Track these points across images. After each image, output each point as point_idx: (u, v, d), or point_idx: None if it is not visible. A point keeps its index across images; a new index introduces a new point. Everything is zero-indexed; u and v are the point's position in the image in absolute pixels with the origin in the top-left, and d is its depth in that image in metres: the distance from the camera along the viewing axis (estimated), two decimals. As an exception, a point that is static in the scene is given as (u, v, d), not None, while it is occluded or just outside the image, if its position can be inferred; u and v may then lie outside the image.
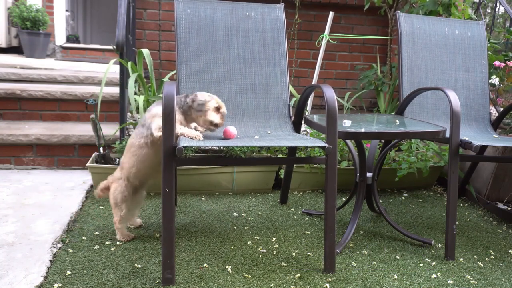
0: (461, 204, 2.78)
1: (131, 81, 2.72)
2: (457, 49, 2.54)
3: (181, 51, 2.22)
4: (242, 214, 2.40)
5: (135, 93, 2.77)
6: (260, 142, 1.79)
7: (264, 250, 1.98)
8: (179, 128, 1.80)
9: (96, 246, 1.92)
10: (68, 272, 1.70)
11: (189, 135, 1.78)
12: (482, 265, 1.96)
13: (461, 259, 2.00)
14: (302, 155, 2.80)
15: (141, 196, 2.08)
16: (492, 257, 2.05)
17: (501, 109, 2.66)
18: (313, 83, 3.41)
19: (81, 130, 3.08)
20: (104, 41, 6.31)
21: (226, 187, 2.71)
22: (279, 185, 2.68)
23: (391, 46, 3.77)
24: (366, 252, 2.02)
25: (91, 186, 2.66)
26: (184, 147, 1.60)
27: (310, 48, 4.11)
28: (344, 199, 2.68)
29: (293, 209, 2.51)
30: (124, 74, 2.74)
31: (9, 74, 3.53)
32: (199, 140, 1.77)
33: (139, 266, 1.78)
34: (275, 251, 1.98)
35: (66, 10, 5.80)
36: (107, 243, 1.96)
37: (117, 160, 2.67)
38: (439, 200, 2.81)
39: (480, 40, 2.57)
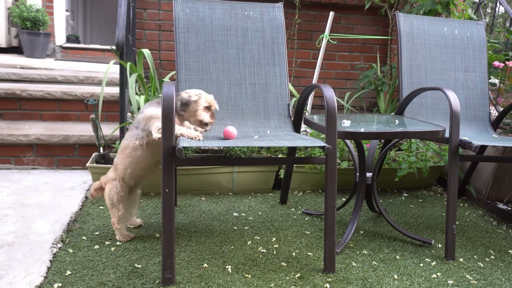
0: (461, 204, 2.78)
1: (131, 81, 2.72)
2: (456, 49, 2.54)
3: (180, 51, 2.22)
4: (242, 214, 2.40)
5: (135, 93, 2.77)
6: (260, 142, 1.79)
7: (264, 250, 1.98)
8: (178, 129, 1.80)
9: (96, 246, 1.93)
10: (68, 272, 1.70)
11: (189, 135, 1.78)
12: (482, 265, 1.96)
13: (461, 259, 2.00)
14: (302, 155, 2.80)
15: (137, 195, 2.08)
16: (492, 257, 2.05)
17: (501, 109, 2.66)
18: (313, 83, 3.41)
19: (81, 130, 3.08)
20: (104, 41, 6.31)
21: (226, 187, 2.71)
22: (279, 185, 2.68)
23: (391, 46, 3.77)
24: (366, 252, 2.02)
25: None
26: (184, 147, 1.60)
27: (310, 48, 4.11)
28: (344, 199, 2.68)
29: (293, 209, 2.51)
30: (124, 74, 2.74)
31: (9, 74, 3.53)
32: (199, 140, 1.77)
33: (139, 266, 1.79)
34: (275, 251, 1.98)
35: (66, 10, 5.80)
36: (107, 243, 1.96)
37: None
38: (439, 200, 2.81)
39: (479, 40, 2.57)
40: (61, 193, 2.54)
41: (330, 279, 1.75)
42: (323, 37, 3.34)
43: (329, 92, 1.79)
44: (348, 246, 2.07)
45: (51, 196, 2.48)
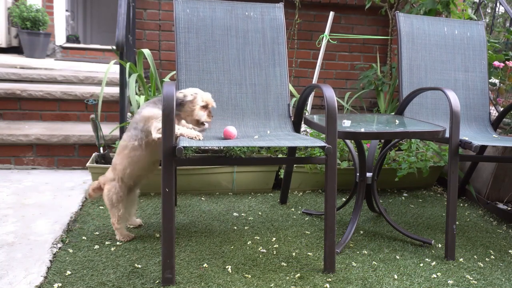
0: (461, 204, 2.78)
1: (131, 81, 2.72)
2: (456, 49, 2.54)
3: (180, 51, 2.22)
4: (242, 214, 2.40)
5: (135, 93, 2.77)
6: (260, 142, 1.79)
7: (264, 250, 1.98)
8: (178, 129, 1.80)
9: (96, 246, 1.93)
10: (68, 272, 1.70)
11: (189, 135, 1.78)
12: (482, 265, 1.96)
13: (461, 259, 2.00)
14: (302, 155, 2.80)
15: (135, 195, 2.09)
16: (492, 257, 2.05)
17: (501, 109, 2.66)
18: (313, 83, 3.41)
19: (81, 130, 3.08)
20: (104, 41, 6.31)
21: (226, 187, 2.71)
22: (279, 185, 2.68)
23: (391, 46, 3.77)
24: (366, 252, 2.02)
25: (91, 186, 2.66)
26: (184, 147, 1.60)
27: (310, 48, 4.11)
28: (344, 199, 2.68)
29: (293, 209, 2.51)
30: (124, 74, 2.74)
31: (9, 74, 3.53)
32: (199, 140, 1.76)
33: (139, 266, 1.79)
34: (275, 251, 1.98)
35: (66, 10, 5.80)
36: (107, 243, 1.96)
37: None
38: (439, 200, 2.81)
39: (479, 40, 2.57)
40: (61, 193, 2.54)
41: (330, 279, 1.75)
42: (323, 37, 3.34)
43: (329, 92, 1.79)
44: (348, 246, 2.07)
45: (51, 196, 2.48)
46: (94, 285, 1.63)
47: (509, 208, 2.62)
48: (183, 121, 1.91)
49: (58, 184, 2.68)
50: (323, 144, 1.74)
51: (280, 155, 2.84)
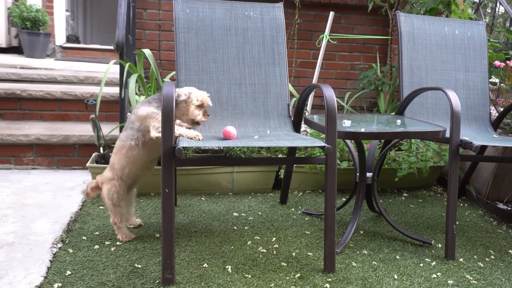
0: (461, 204, 2.77)
1: (131, 81, 2.71)
2: (457, 49, 2.54)
3: (180, 51, 2.21)
4: (242, 214, 2.40)
5: (135, 93, 2.77)
6: (259, 142, 1.79)
7: (264, 250, 1.98)
8: (177, 129, 1.79)
9: (96, 246, 1.92)
10: (68, 272, 1.70)
11: (188, 135, 1.77)
12: (482, 265, 1.96)
13: (461, 259, 2.00)
14: (302, 155, 2.80)
15: (133, 194, 2.10)
16: (492, 257, 2.05)
17: (501, 109, 2.65)
18: (313, 83, 3.41)
19: (81, 130, 3.08)
20: (104, 41, 6.31)
21: (226, 187, 2.71)
22: (279, 185, 2.68)
23: (391, 46, 3.76)
24: (366, 252, 2.02)
25: (91, 186, 2.66)
26: (183, 147, 1.60)
27: (310, 48, 4.11)
28: (344, 199, 2.68)
29: (293, 209, 2.51)
30: (124, 74, 2.73)
31: (9, 74, 3.53)
32: (199, 140, 1.76)
33: (139, 266, 1.78)
34: (275, 251, 1.98)
35: (66, 10, 5.80)
36: (107, 243, 1.96)
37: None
38: (439, 200, 2.81)
39: (480, 40, 2.57)
40: (61, 193, 2.54)
41: (330, 279, 1.75)
42: (323, 37, 3.34)
43: (329, 92, 1.79)
44: (348, 246, 2.07)
45: (51, 196, 2.47)
46: (94, 285, 1.63)
47: (509, 208, 2.62)
48: (178, 121, 1.90)
49: (58, 184, 2.68)
50: (323, 144, 1.74)
51: (280, 155, 2.84)
